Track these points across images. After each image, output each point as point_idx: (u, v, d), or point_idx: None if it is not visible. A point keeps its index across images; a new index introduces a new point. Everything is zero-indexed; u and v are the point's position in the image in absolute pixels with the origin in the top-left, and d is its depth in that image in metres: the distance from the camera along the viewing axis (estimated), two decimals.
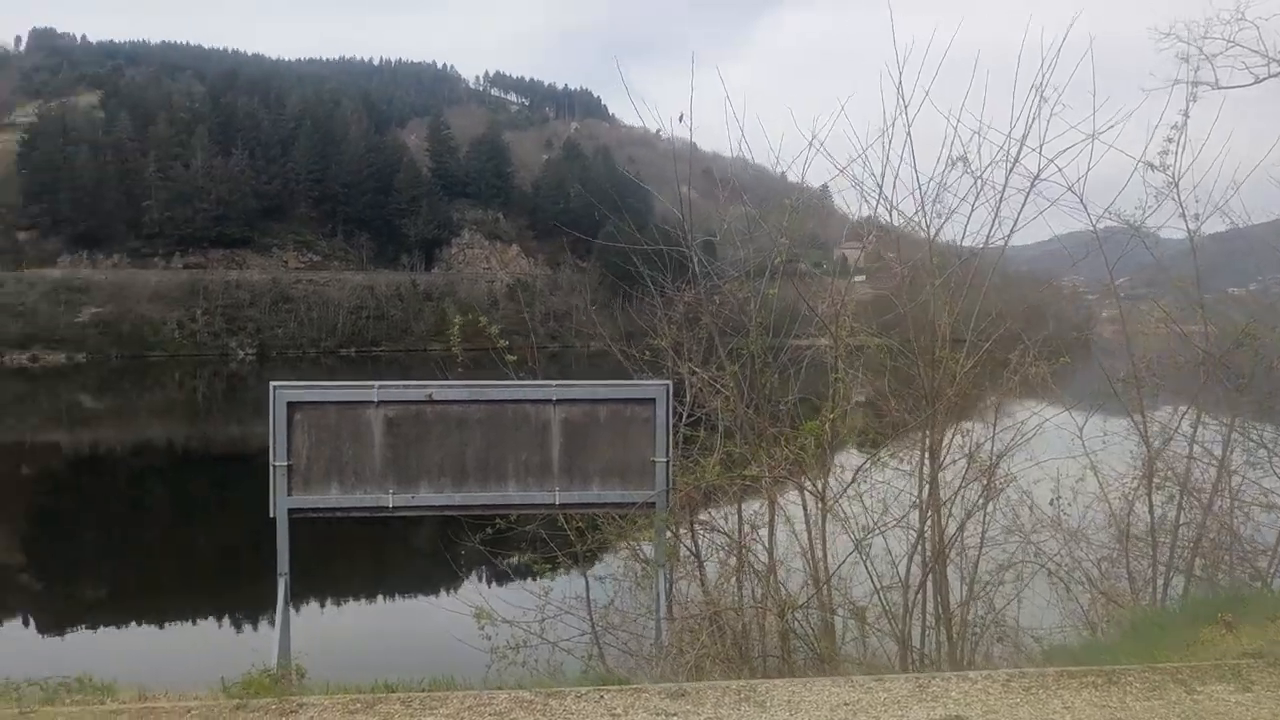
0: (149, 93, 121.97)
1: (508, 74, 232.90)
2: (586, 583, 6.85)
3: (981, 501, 6.35)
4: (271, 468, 5.01)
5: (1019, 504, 6.68)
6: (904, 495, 6.63)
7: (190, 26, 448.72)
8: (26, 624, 16.64)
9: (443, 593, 6.86)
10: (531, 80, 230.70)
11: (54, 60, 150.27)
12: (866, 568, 6.40)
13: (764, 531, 6.55)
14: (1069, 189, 6.36)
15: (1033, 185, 6.45)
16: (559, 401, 5.21)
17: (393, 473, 5.08)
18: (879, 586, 6.47)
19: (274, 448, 4.99)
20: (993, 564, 6.56)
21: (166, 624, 16.73)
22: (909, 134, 6.42)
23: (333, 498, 5.06)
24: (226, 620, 16.49)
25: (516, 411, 5.21)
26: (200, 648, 15.08)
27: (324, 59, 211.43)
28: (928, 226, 6.64)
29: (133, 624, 16.74)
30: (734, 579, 6.48)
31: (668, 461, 5.32)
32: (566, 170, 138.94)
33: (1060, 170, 6.36)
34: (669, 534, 6.11)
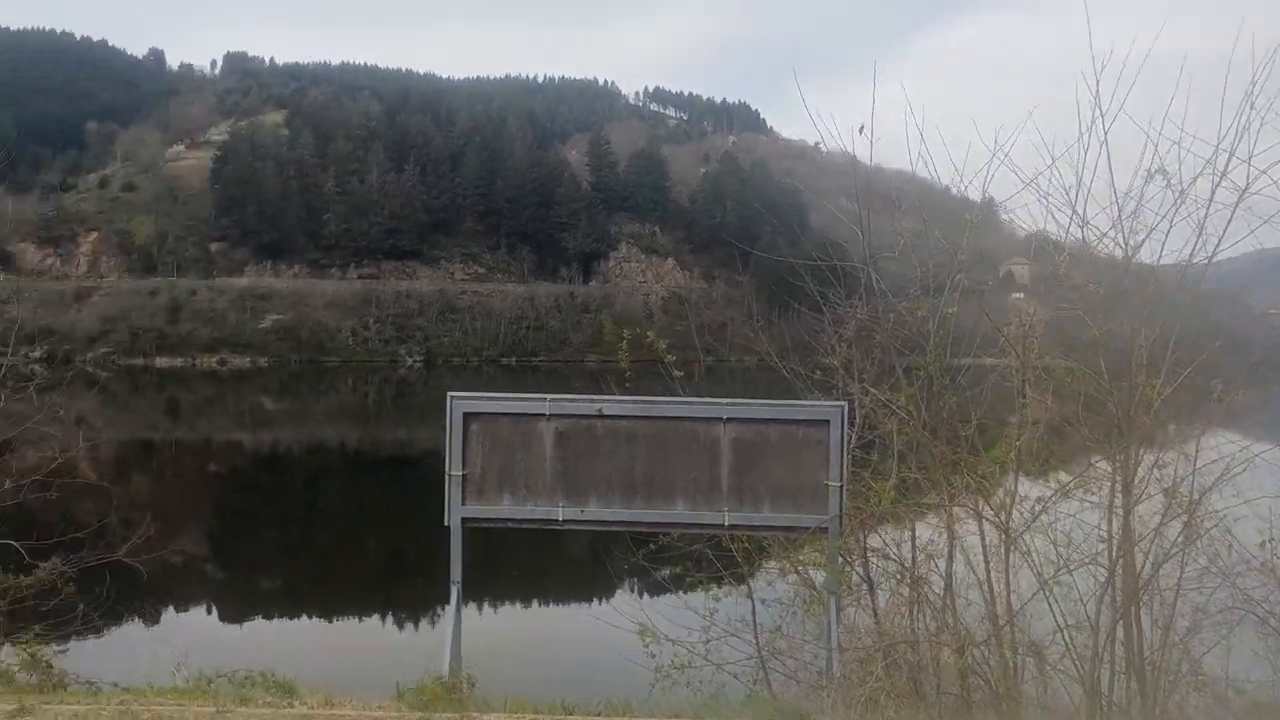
0: (329, 112, 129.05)
1: (666, 89, 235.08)
2: (753, 605, 6.68)
3: (1182, 541, 5.82)
4: (447, 477, 5.09)
5: (1220, 543, 6.10)
6: (1091, 529, 6.12)
7: (368, 46, 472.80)
8: (210, 611, 17.68)
9: (600, 602, 6.78)
10: (690, 95, 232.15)
11: (245, 82, 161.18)
12: (1049, 605, 5.97)
13: (941, 562, 6.24)
14: None
15: (1240, 199, 5.92)
16: (729, 420, 5.09)
17: (563, 486, 5.08)
18: (1062, 625, 5.99)
19: (449, 457, 5.07)
20: (1190, 607, 5.99)
21: (335, 618, 17.51)
22: (1104, 144, 5.98)
23: (505, 509, 5.11)
24: (390, 618, 17.10)
25: (685, 429, 5.12)
26: (366, 644, 15.66)
27: (490, 77, 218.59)
28: (1125, 243, 6.16)
29: (303, 617, 17.58)
30: (909, 610, 6.23)
31: (842, 486, 5.15)
32: (723, 184, 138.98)
33: (1276, 183, 5.81)
34: (840, 561, 5.91)
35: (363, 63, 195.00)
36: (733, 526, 5.32)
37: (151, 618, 14.26)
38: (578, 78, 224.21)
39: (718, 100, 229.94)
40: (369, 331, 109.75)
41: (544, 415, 5.09)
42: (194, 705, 4.34)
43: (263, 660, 5.40)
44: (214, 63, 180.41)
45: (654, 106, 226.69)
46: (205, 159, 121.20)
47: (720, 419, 5.10)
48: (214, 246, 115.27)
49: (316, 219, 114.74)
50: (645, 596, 7.20)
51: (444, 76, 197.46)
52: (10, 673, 5.93)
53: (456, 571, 5.13)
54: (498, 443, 5.08)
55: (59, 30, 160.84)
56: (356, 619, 17.41)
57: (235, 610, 17.64)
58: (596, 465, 5.10)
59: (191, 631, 15.29)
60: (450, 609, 5.09)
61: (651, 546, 6.57)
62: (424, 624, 16.17)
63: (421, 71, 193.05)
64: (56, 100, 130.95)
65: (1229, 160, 5.83)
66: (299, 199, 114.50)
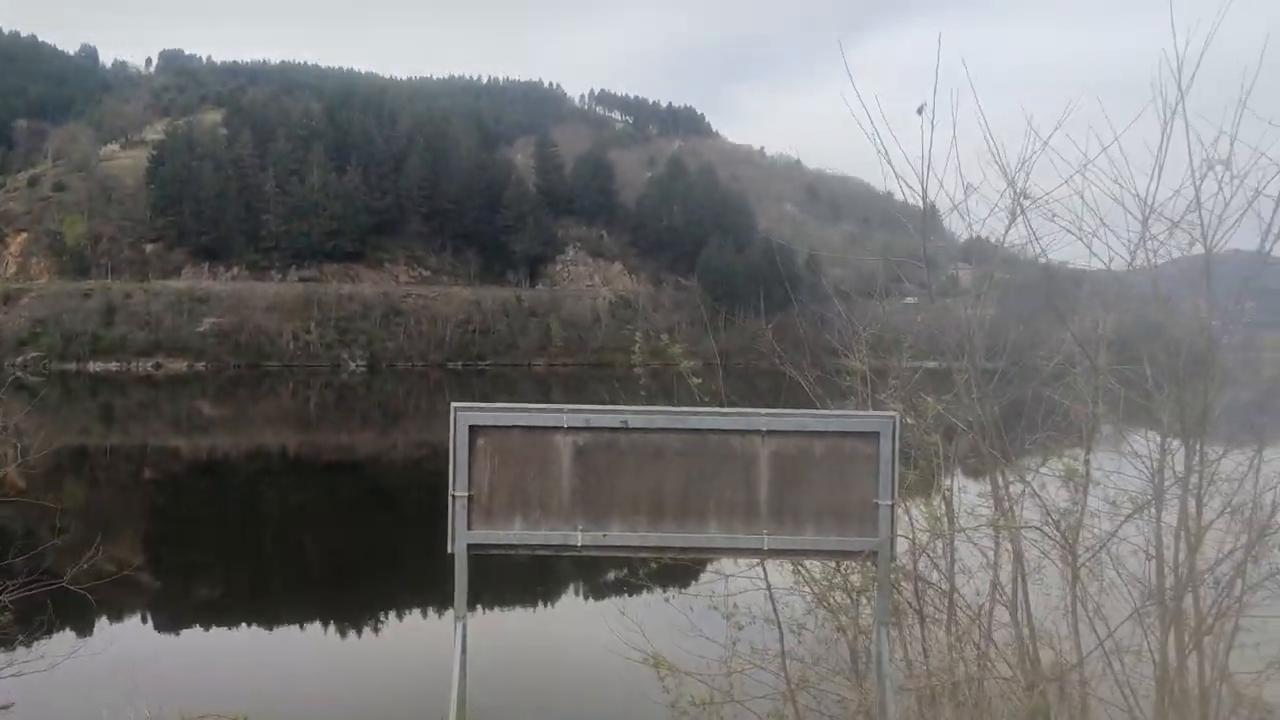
0: (269, 111, 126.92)
1: (612, 92, 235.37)
2: (780, 634, 6.15)
3: (1248, 565, 5.30)
4: (450, 498, 4.57)
5: None
6: (1138, 547, 5.65)
7: (308, 45, 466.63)
8: (145, 620, 17.16)
9: (608, 626, 6.51)
10: (635, 98, 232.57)
11: (181, 80, 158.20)
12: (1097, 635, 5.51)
13: (998, 587, 5.83)
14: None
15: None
16: (769, 433, 4.63)
17: (582, 506, 4.60)
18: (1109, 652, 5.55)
19: (454, 476, 4.56)
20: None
21: (275, 628, 17.11)
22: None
23: (516, 533, 4.60)
24: (332, 627, 16.75)
25: (720, 442, 4.66)
26: (307, 657, 15.32)
27: (434, 78, 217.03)
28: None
29: (242, 625, 17.15)
30: (963, 642, 5.77)
31: (892, 505, 4.70)
32: (670, 187, 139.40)
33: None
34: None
35: (303, 61, 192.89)
36: (773, 551, 4.82)
37: (97, 641, 13.69)
38: (523, 79, 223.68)
39: (663, 104, 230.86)
40: (310, 335, 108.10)
41: (561, 428, 4.58)
42: None
43: (204, 675, 5.04)
44: (149, 60, 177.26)
45: (600, 109, 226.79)
46: (141, 158, 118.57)
47: (759, 431, 4.64)
48: (149, 248, 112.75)
49: (256, 220, 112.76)
50: (659, 621, 6.70)
51: (386, 76, 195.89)
52: None
53: (462, 606, 4.58)
54: (508, 459, 4.60)
55: None
56: (297, 625, 17.02)
57: (170, 618, 17.15)
58: (620, 483, 4.62)
59: (137, 653, 14.77)
60: (455, 648, 4.54)
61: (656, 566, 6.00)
62: (388, 643, 15.87)
63: (363, 71, 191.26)
64: None
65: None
66: (238, 199, 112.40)
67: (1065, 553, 5.58)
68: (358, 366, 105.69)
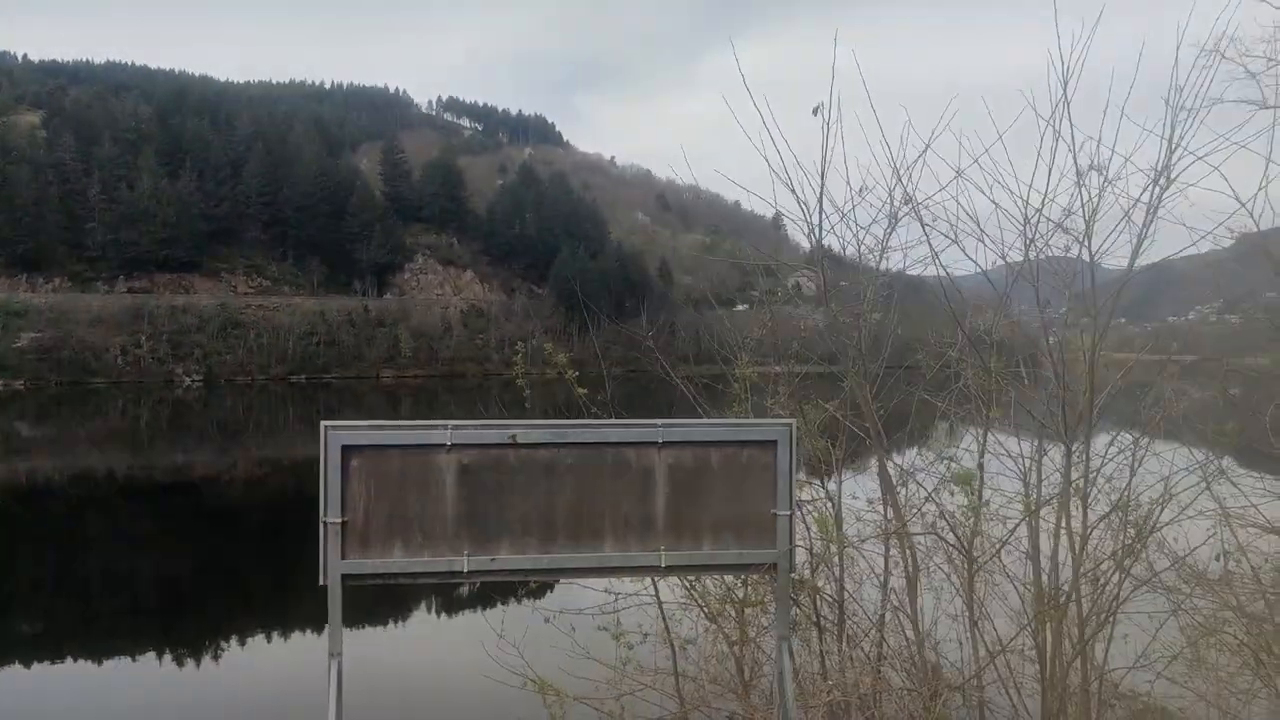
0: (93, 112, 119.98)
1: (460, 99, 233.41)
2: (673, 652, 5.93)
3: (1128, 561, 5.39)
4: (322, 525, 4.19)
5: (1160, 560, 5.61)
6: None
7: (135, 45, 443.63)
8: None
9: (488, 649, 6.20)
10: (485, 105, 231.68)
11: None
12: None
13: (890, 595, 5.77)
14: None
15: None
16: (665, 444, 4.42)
17: (468, 530, 4.30)
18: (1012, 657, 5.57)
19: (325, 500, 4.18)
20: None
21: (104, 662, 16.08)
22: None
23: (396, 560, 4.28)
24: (169, 658, 15.86)
25: (616, 455, 4.42)
26: (142, 693, 14.45)
27: (273, 81, 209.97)
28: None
29: (68, 660, 16.05)
30: (863, 655, 5.71)
31: (790, 515, 4.54)
32: (522, 195, 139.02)
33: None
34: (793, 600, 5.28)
35: (129, 62, 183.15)
36: (670, 568, 4.59)
37: None
38: (367, 85, 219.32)
39: (513, 112, 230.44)
40: (141, 350, 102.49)
41: (444, 445, 4.28)
42: None
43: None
44: None
45: (448, 116, 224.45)
46: None
47: (656, 443, 4.42)
48: None
49: (79, 228, 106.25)
50: (540, 642, 6.34)
51: (222, 79, 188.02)
52: None
53: (337, 642, 4.18)
54: (386, 481, 4.24)
55: None
56: (128, 657, 16.01)
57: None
58: (509, 504, 4.34)
59: None
60: (330, 687, 4.16)
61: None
62: (234, 674, 15.07)
63: (197, 73, 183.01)
64: None
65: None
66: (59, 206, 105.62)
67: (960, 558, 5.56)
68: (193, 382, 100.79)
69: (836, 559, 5.95)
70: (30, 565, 23.02)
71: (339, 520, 4.20)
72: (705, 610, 6.11)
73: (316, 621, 17.76)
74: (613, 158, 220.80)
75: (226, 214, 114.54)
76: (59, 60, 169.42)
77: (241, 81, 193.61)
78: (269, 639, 16.87)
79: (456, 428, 4.32)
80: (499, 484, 4.33)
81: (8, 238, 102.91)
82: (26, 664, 15.89)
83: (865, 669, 5.65)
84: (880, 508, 6.00)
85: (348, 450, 4.22)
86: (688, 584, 6.03)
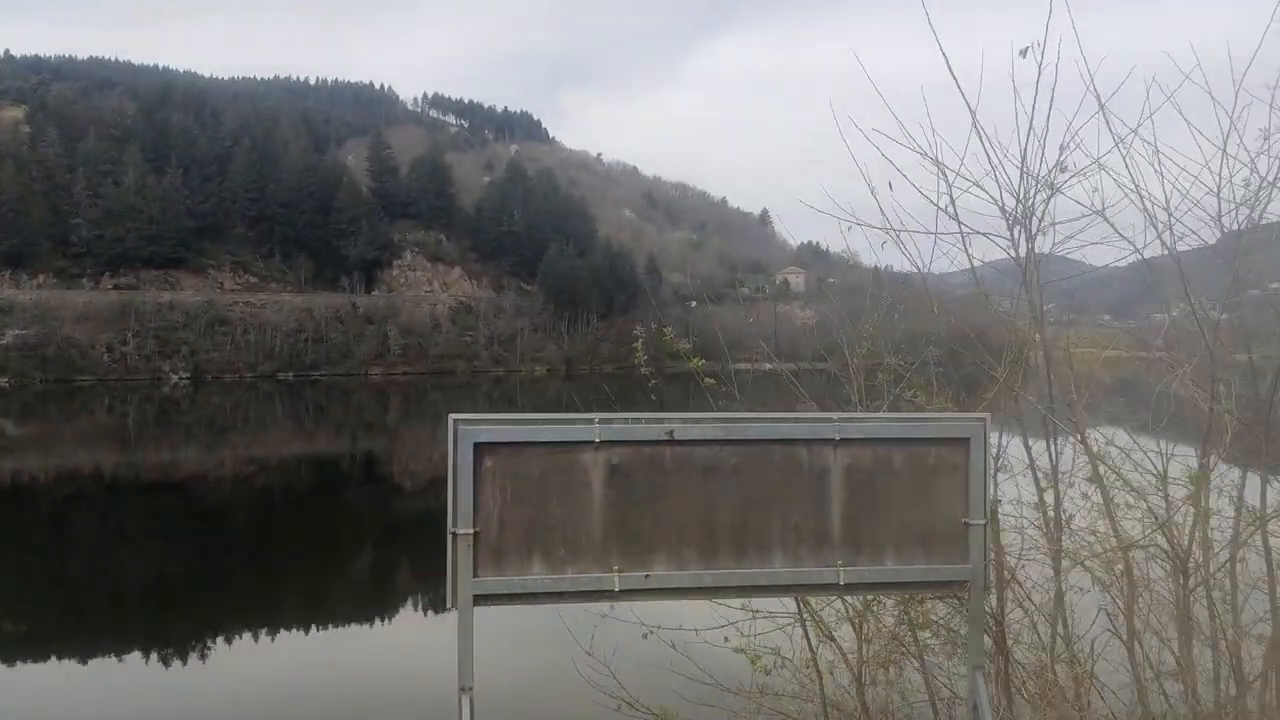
0: (77, 108, 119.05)
1: (446, 95, 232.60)
2: (819, 678, 5.27)
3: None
4: (450, 537, 3.62)
5: None
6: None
7: (119, 41, 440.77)
8: None
9: (571, 655, 5.51)
10: (470, 102, 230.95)
11: None
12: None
13: (1095, 615, 5.16)
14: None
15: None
16: (843, 441, 3.90)
17: (618, 541, 3.77)
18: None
19: (455, 509, 3.62)
20: None
21: (89, 660, 15.99)
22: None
23: (536, 579, 3.75)
24: (154, 656, 15.78)
25: (785, 455, 3.90)
26: (121, 686, 14.38)
27: (258, 77, 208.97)
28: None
29: (52, 659, 15.97)
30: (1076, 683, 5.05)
31: (985, 524, 4.00)
32: (509, 192, 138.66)
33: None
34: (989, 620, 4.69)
35: (114, 58, 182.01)
36: (850, 585, 3.99)
37: None
38: (353, 80, 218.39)
39: (499, 108, 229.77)
40: (127, 347, 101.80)
41: (591, 443, 3.77)
42: None
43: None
44: None
45: (434, 112, 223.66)
46: None
47: (832, 440, 3.91)
48: None
49: (64, 224, 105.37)
50: (625, 659, 5.62)
51: (207, 75, 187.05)
52: None
53: (468, 674, 3.62)
54: (525, 485, 3.74)
55: None
56: (113, 656, 15.91)
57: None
58: (664, 511, 3.81)
59: None
60: None
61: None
62: (224, 673, 14.99)
63: (181, 69, 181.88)
64: None
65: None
66: (43, 202, 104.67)
67: (1178, 573, 4.84)
68: (180, 379, 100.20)
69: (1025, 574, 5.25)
70: (13, 567, 22.87)
71: (470, 531, 3.68)
72: (864, 628, 5.47)
73: (305, 621, 17.76)
74: (599, 155, 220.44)
75: (213, 210, 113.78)
76: (42, 56, 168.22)
77: (226, 77, 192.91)
78: (256, 639, 16.81)
79: (604, 421, 3.83)
80: (652, 487, 3.82)
81: None
82: (9, 663, 15.82)
83: (1064, 701, 5.02)
84: (1041, 513, 5.31)
85: (480, 449, 3.70)
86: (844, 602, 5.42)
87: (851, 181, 5.62)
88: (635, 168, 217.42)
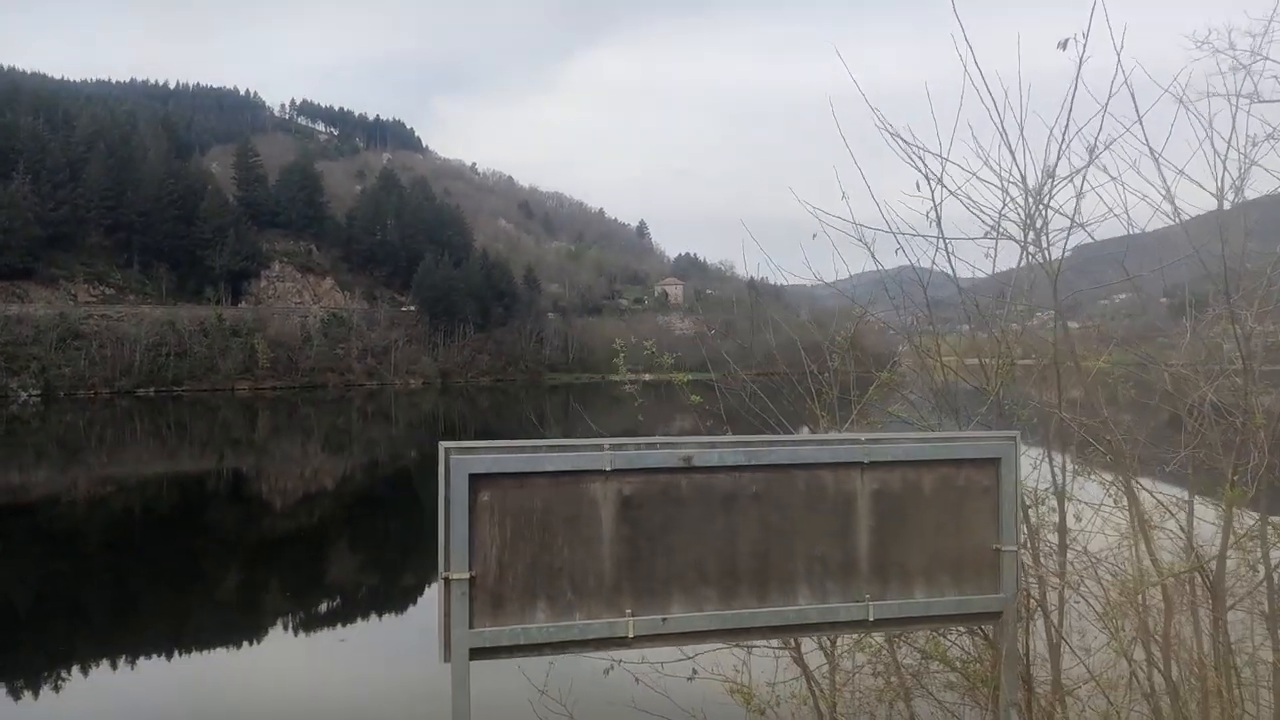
0: None
1: (316, 103, 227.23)
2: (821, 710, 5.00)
3: None
4: (442, 582, 3.24)
5: None
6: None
7: None
8: None
9: (510, 691, 4.97)
10: (341, 109, 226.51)
11: None
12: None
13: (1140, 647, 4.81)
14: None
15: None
16: (871, 465, 3.63)
17: (630, 581, 3.42)
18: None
19: (447, 550, 3.23)
20: None
21: None
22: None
23: (539, 628, 3.35)
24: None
25: (809, 480, 3.61)
26: None
27: (113, 80, 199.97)
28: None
29: None
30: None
31: (1017, 550, 3.74)
32: (382, 201, 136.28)
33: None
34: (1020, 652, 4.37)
35: None
36: (880, 621, 3.70)
37: None
38: (216, 86, 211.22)
39: (371, 116, 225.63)
40: None
41: (603, 471, 3.41)
42: None
43: None
44: None
45: (303, 120, 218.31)
46: None
47: (859, 463, 3.63)
48: None
49: None
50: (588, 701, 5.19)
51: (58, 77, 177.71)
52: None
53: None
54: (527, 520, 3.36)
55: None
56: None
57: None
58: (679, 545, 3.48)
59: None
60: None
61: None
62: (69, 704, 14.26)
63: (28, 70, 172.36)
64: None
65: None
66: None
67: (1210, 593, 4.62)
68: (30, 396, 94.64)
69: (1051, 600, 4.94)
70: None
71: (466, 575, 3.26)
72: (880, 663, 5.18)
73: (167, 648, 17.10)
74: (474, 164, 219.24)
75: (65, 218, 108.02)
76: None
77: (79, 80, 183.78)
78: (114, 667, 16.11)
79: (615, 447, 3.46)
80: (667, 519, 3.47)
81: None
82: None
83: None
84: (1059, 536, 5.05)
85: (476, 481, 3.31)
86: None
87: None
88: (511, 177, 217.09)
